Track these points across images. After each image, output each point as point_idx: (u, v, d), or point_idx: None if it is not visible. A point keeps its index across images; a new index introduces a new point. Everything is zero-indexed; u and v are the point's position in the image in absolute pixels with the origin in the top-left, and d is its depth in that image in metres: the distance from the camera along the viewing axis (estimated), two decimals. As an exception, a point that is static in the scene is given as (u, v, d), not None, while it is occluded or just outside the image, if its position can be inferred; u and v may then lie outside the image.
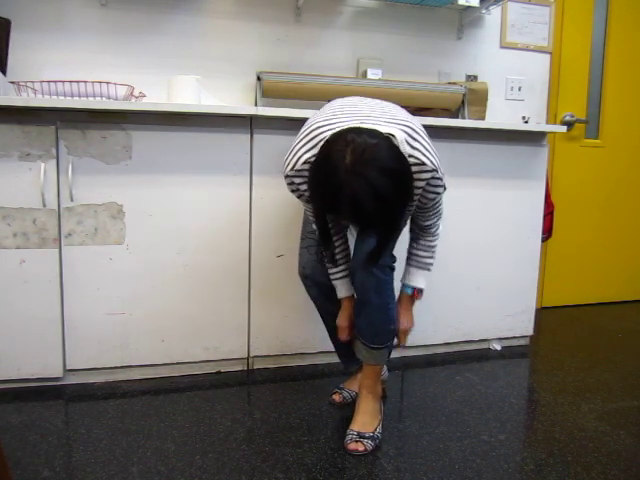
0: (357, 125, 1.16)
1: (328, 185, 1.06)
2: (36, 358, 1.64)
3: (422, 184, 1.22)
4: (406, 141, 1.18)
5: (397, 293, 1.51)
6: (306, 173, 1.22)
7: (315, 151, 1.19)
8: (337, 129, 1.17)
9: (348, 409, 1.55)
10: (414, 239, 1.47)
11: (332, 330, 1.58)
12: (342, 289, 1.47)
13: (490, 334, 2.14)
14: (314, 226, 1.43)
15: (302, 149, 1.24)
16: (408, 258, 1.49)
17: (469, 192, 2.00)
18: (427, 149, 1.21)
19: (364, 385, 1.46)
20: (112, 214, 1.65)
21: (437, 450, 1.38)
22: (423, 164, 1.19)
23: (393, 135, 1.16)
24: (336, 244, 1.44)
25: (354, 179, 1.02)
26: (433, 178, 1.22)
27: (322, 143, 1.15)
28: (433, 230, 1.42)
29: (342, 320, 1.49)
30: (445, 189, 1.29)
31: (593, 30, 2.72)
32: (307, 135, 1.25)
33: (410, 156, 1.18)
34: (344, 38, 2.30)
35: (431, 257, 1.46)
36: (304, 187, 1.26)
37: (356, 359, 1.60)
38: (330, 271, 1.46)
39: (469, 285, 2.06)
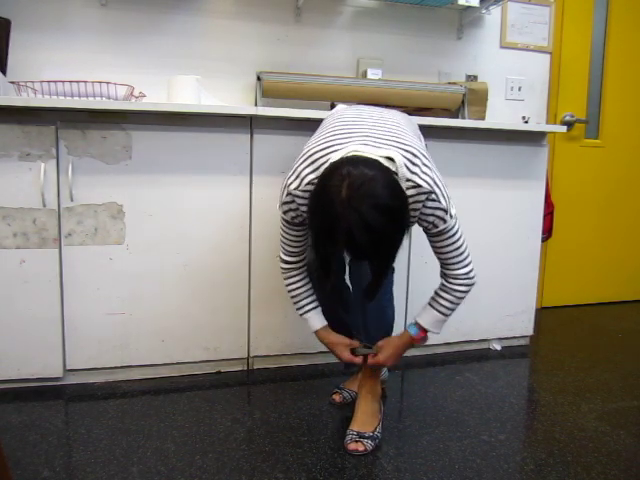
0: (355, 152, 1.14)
1: (325, 217, 1.07)
2: (36, 358, 1.64)
3: (419, 206, 1.20)
4: (405, 165, 1.16)
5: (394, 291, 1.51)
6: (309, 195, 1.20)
7: (318, 173, 1.18)
8: (339, 151, 1.17)
9: (348, 409, 1.55)
10: (442, 280, 1.35)
11: (332, 328, 1.58)
12: (316, 320, 1.43)
13: (490, 334, 2.14)
14: (284, 254, 1.40)
15: (305, 170, 1.22)
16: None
17: (469, 192, 2.00)
18: (426, 173, 1.19)
19: (364, 385, 1.46)
20: (112, 214, 1.65)
21: (437, 450, 1.38)
22: (419, 186, 1.17)
23: (392, 159, 1.15)
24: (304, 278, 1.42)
25: (349, 213, 1.02)
26: (428, 200, 1.19)
27: (322, 169, 1.15)
28: (455, 270, 1.29)
29: (344, 351, 1.40)
30: (451, 217, 1.23)
31: (593, 30, 2.72)
32: (309, 157, 1.23)
33: (408, 180, 1.16)
34: (344, 38, 2.30)
35: (450, 302, 1.31)
36: (305, 208, 1.23)
37: None
38: (301, 303, 1.43)
39: (469, 285, 2.06)
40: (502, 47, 2.54)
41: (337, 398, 1.63)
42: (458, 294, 1.31)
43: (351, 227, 1.02)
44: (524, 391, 1.79)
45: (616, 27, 2.76)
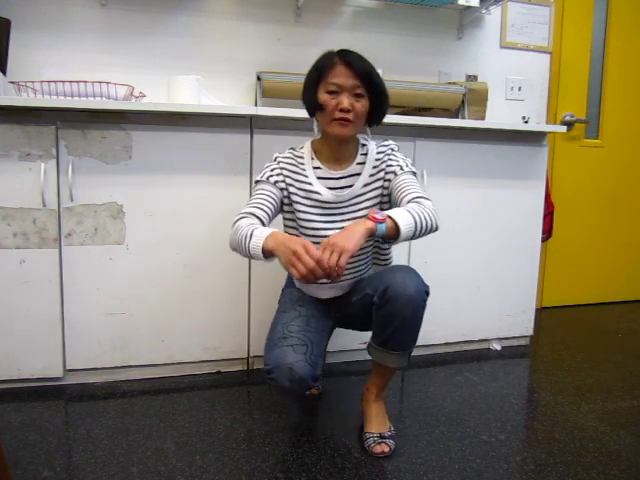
0: None
1: (320, 60, 1.41)
2: (36, 358, 1.64)
3: (386, 158, 1.43)
4: (376, 144, 1.45)
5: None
6: (289, 161, 1.43)
7: (287, 153, 1.46)
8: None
9: (348, 409, 1.55)
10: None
11: None
12: (265, 230, 1.23)
13: (490, 334, 2.14)
14: (246, 208, 1.33)
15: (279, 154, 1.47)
16: None
17: (469, 192, 2.00)
18: (390, 144, 1.48)
19: (377, 385, 1.42)
20: (112, 214, 1.65)
21: (437, 450, 1.38)
22: (385, 146, 1.46)
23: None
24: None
25: (343, 51, 1.39)
26: (392, 153, 1.44)
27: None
28: (423, 201, 1.29)
29: (312, 253, 1.12)
30: (409, 171, 1.40)
31: (593, 30, 2.72)
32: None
33: (378, 143, 1.46)
34: (344, 38, 2.29)
35: (417, 209, 1.25)
36: (286, 165, 1.42)
37: None
38: (245, 230, 1.24)
39: (469, 285, 2.06)
40: (502, 47, 2.54)
41: (314, 391, 1.67)
42: (426, 209, 1.25)
43: (347, 52, 1.39)
44: (524, 391, 1.79)
45: (616, 27, 2.76)
